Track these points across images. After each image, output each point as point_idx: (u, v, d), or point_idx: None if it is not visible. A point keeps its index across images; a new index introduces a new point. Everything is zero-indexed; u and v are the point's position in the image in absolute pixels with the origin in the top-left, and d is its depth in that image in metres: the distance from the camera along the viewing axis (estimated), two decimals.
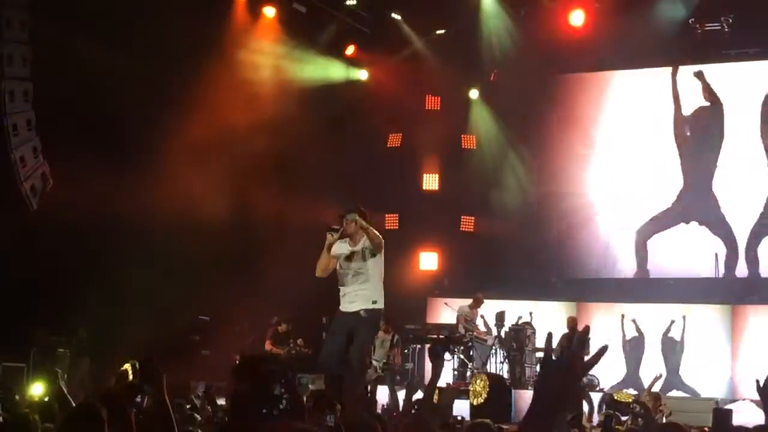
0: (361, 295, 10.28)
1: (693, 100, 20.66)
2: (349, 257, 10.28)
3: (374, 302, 10.31)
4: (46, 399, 8.44)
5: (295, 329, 17.77)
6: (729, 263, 19.96)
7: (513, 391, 15.75)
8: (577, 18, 19.47)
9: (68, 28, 15.68)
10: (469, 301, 18.55)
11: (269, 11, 19.51)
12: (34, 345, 15.54)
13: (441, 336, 18.03)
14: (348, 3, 20.06)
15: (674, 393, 18.88)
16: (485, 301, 18.58)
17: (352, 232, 10.26)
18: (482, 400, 14.89)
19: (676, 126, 20.77)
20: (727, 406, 14.90)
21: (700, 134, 20.61)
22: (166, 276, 16.82)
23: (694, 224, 20.38)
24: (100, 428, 5.21)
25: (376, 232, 10.26)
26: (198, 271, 17.51)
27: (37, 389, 10.03)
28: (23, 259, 15.52)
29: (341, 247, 10.31)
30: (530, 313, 18.96)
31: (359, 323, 10.24)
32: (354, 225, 10.21)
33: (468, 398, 15.20)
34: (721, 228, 20.15)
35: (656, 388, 16.17)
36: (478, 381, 15.27)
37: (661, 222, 20.64)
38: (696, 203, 20.48)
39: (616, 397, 13.84)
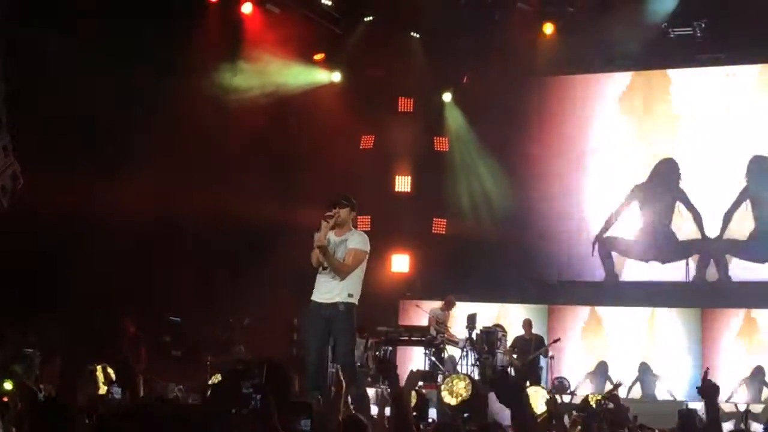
0: (336, 284, 10.15)
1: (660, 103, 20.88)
2: (334, 247, 10.16)
3: (350, 295, 10.17)
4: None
5: (235, 334, 17.67)
6: (702, 258, 20.10)
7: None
8: (548, 28, 19.54)
9: (42, 27, 15.61)
10: (441, 303, 18.60)
11: (246, 8, 19.47)
12: (2, 344, 15.42)
13: (413, 338, 18.06)
14: (324, 2, 20.03)
15: (642, 396, 18.99)
16: (457, 303, 18.66)
17: (340, 222, 10.18)
18: (460, 401, 14.86)
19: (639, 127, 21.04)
20: (695, 407, 14.98)
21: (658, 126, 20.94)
22: (139, 276, 16.78)
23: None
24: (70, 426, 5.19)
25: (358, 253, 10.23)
26: (172, 272, 17.45)
27: (6, 386, 10.00)
28: None
29: (329, 236, 10.16)
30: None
31: (338, 319, 10.10)
32: (344, 213, 10.15)
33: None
34: (692, 209, 20.41)
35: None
36: (457, 382, 15.21)
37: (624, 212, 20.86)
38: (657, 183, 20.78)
39: (591, 402, 13.89)
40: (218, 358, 17.11)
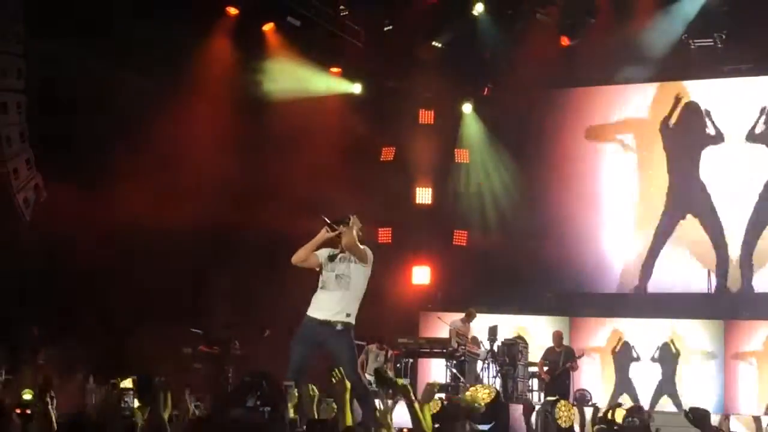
0: (336, 302, 9.54)
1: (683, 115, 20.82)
2: (333, 258, 9.60)
3: (348, 315, 9.55)
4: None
5: (234, 333, 17.70)
6: (720, 269, 20.01)
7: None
8: (567, 40, 19.51)
9: (63, 40, 15.72)
10: (462, 315, 18.56)
11: (267, 26, 19.52)
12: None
13: (434, 350, 18.02)
14: (342, 13, 20.07)
15: (665, 408, 18.88)
16: (478, 315, 18.61)
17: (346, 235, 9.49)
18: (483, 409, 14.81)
19: (664, 136, 20.92)
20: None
21: (686, 136, 20.81)
22: (160, 289, 16.82)
23: (689, 222, 20.53)
24: None
25: (363, 249, 9.61)
26: (191, 285, 17.50)
27: (26, 397, 10.07)
28: (16, 270, 15.50)
29: (327, 252, 9.65)
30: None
31: (335, 338, 9.51)
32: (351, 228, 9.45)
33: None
34: (712, 220, 20.31)
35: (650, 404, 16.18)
36: (481, 389, 15.14)
37: (663, 229, 20.72)
38: (686, 193, 20.66)
39: (617, 418, 13.74)
40: (211, 348, 17.10)
